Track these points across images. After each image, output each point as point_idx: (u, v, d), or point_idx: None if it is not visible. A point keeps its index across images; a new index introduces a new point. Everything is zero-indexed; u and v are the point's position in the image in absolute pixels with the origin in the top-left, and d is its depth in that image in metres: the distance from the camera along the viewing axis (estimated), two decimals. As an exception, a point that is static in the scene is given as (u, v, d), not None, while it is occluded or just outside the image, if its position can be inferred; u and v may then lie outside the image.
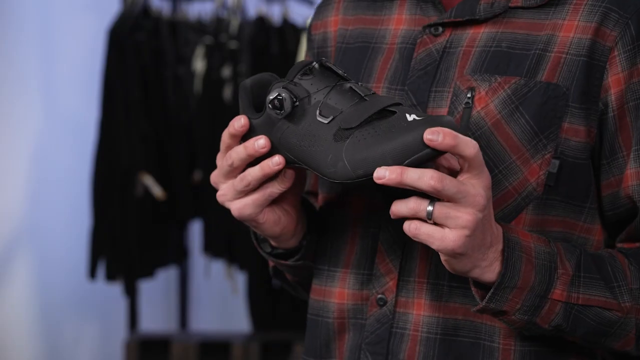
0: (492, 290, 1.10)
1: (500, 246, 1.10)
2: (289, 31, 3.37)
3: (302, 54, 3.18)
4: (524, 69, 1.17)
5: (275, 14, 3.43)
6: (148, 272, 3.41)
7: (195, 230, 3.74)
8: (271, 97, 1.12)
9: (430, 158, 1.04)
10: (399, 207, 1.05)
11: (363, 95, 1.11)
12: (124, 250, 3.32)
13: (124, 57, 3.29)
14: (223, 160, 1.16)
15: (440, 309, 1.19)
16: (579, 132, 1.17)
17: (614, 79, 1.17)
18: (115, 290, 3.58)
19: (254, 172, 1.14)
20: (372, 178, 1.04)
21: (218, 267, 3.65)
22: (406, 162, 1.03)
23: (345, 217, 1.26)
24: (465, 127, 1.17)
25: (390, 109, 1.09)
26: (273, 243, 1.27)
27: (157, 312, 3.92)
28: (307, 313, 1.32)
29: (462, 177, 1.06)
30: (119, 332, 3.77)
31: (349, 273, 1.24)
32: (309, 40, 1.37)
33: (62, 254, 3.81)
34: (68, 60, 3.80)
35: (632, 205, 1.19)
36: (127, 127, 3.29)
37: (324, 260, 1.28)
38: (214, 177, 1.18)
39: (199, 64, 3.33)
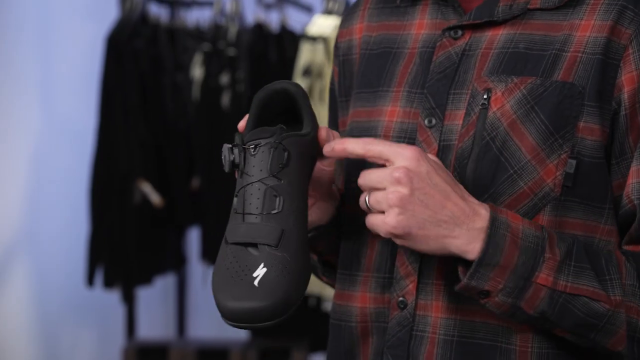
0: (472, 266, 1.11)
1: (483, 224, 1.11)
2: (287, 38, 3.38)
3: (300, 61, 3.19)
4: (540, 69, 1.18)
5: (273, 21, 3.43)
6: (146, 279, 3.40)
7: (194, 237, 3.73)
8: (222, 150, 1.15)
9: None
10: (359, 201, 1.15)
11: (265, 211, 1.10)
12: (122, 257, 3.32)
13: (122, 63, 3.29)
14: None
15: (457, 311, 1.19)
16: (594, 131, 1.17)
17: (628, 77, 1.17)
18: (113, 297, 3.57)
19: None
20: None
21: (216, 274, 3.65)
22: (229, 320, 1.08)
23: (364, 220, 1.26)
24: (481, 128, 1.18)
25: (260, 247, 1.10)
26: None
27: (155, 319, 3.92)
28: (330, 318, 1.32)
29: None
30: (117, 339, 3.77)
31: (370, 277, 1.25)
32: (335, 48, 1.39)
33: (60, 261, 3.81)
34: (66, 67, 3.80)
35: (631, 205, 1.19)
36: (125, 133, 3.29)
37: (346, 264, 1.28)
38: None
39: (197, 71, 3.33)
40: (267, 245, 1.09)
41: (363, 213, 1.26)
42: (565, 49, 1.18)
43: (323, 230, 1.28)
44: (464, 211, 1.11)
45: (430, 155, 1.13)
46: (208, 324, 3.95)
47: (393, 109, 1.26)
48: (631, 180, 1.18)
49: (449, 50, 1.23)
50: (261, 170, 1.11)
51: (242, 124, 1.17)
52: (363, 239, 1.26)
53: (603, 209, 1.20)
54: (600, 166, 1.18)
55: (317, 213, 1.24)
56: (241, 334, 3.66)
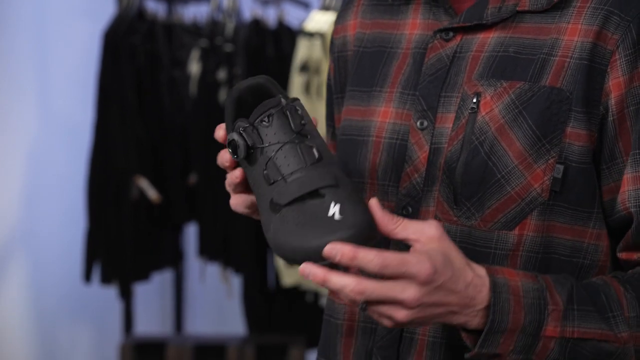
0: (482, 336, 1.09)
1: (484, 293, 1.09)
2: (284, 34, 3.37)
3: (298, 57, 3.18)
4: (529, 74, 1.18)
5: (270, 16, 3.43)
6: (143, 275, 3.41)
7: (191, 233, 3.73)
8: (229, 139, 1.13)
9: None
10: None
11: (308, 162, 1.10)
12: (119, 253, 3.32)
13: (119, 60, 3.29)
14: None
15: None
16: (581, 137, 1.17)
17: (615, 83, 1.16)
18: (110, 294, 3.58)
19: (228, 177, 1.21)
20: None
21: (213, 270, 3.65)
22: (305, 264, 1.04)
23: None
24: (469, 132, 1.17)
25: (322, 191, 1.08)
26: None
27: (152, 315, 3.92)
28: (324, 313, 1.33)
29: None
30: (114, 335, 3.77)
31: None
32: (331, 44, 1.39)
33: (57, 258, 3.81)
34: (63, 64, 3.80)
35: (626, 212, 1.18)
36: (122, 130, 3.29)
37: None
38: None
39: (194, 67, 3.33)
40: (328, 186, 1.08)
41: None
42: (554, 53, 1.18)
43: None
44: (466, 298, 1.08)
45: (445, 240, 1.07)
46: (205, 320, 3.95)
47: (386, 110, 1.26)
48: (626, 188, 1.17)
49: (440, 53, 1.23)
50: (285, 133, 1.11)
51: (220, 133, 1.18)
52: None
53: (591, 214, 1.19)
54: (587, 171, 1.18)
55: None
56: (238, 330, 3.66)
